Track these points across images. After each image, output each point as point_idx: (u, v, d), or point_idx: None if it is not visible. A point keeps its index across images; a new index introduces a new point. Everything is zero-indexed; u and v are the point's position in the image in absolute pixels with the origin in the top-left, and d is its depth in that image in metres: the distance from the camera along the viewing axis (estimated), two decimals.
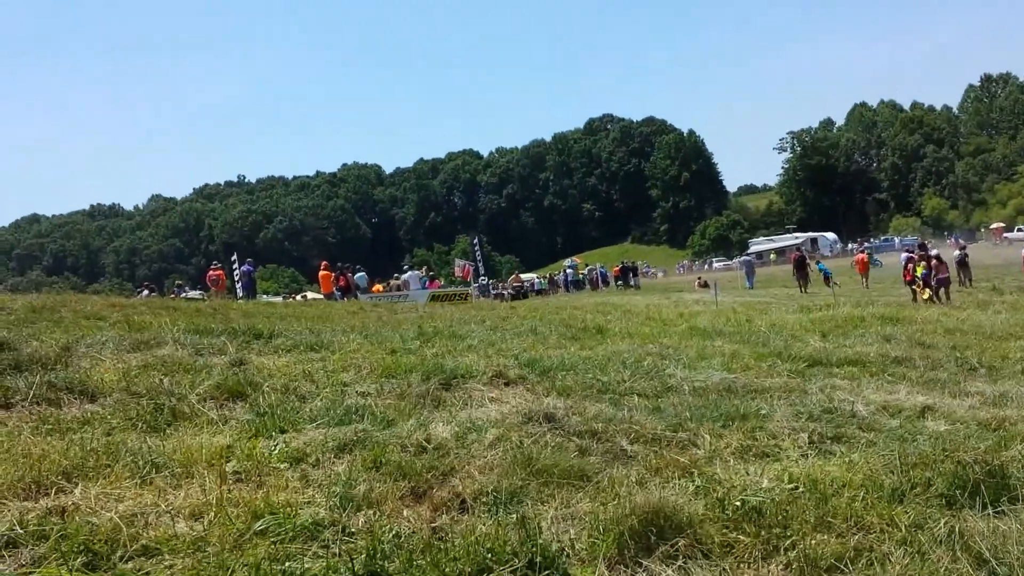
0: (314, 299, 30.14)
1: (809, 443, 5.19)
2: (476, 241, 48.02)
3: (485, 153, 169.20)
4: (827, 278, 30.63)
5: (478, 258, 44.25)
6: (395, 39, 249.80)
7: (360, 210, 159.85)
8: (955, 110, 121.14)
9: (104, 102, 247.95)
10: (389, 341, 9.24)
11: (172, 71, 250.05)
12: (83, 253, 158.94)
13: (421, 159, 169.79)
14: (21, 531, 3.23)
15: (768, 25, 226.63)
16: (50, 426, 4.80)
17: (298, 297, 41.94)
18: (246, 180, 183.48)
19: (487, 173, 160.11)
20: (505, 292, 43.23)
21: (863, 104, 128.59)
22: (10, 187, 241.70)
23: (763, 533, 3.55)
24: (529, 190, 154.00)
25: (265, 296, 50.00)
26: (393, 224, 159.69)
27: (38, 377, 5.75)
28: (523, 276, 54.93)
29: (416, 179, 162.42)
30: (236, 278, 31.95)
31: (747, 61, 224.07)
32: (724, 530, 3.60)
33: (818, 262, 44.21)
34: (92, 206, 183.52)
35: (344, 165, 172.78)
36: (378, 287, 34.24)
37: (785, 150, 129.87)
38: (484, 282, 41.58)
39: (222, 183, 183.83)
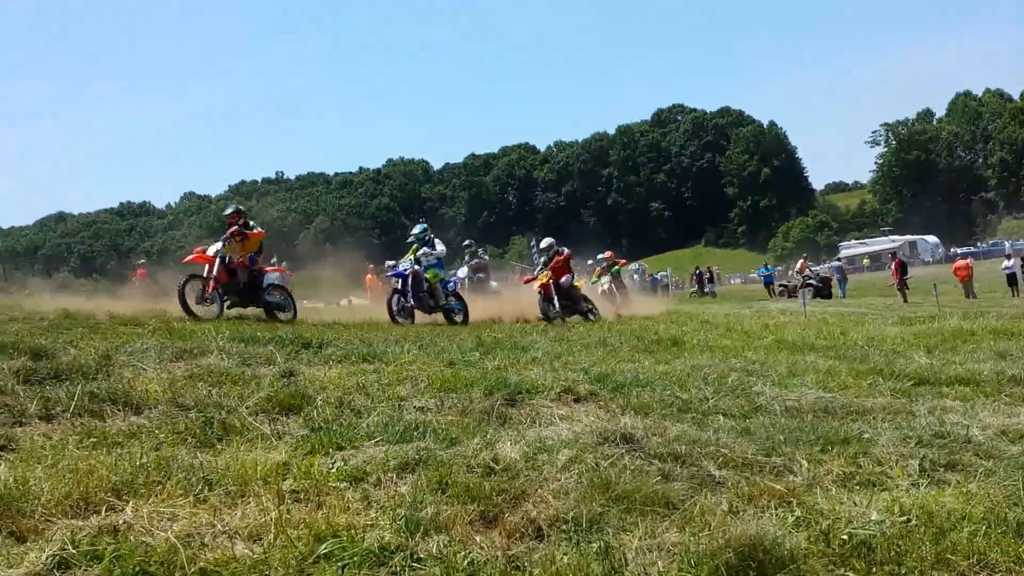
0: (359, 305, 30.46)
1: (920, 471, 5.08)
2: (533, 243, 48.14)
3: (542, 147, 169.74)
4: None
5: (535, 262, 44.31)
6: (444, 22, 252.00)
7: (407, 209, 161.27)
8: None
9: (134, 95, 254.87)
10: (446, 352, 9.32)
11: (207, 62, 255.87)
12: (112, 254, 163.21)
13: (472, 154, 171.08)
14: (74, 551, 3.33)
15: (858, 6, 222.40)
16: (95, 439, 4.93)
17: (343, 303, 42.40)
18: (285, 177, 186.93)
19: (544, 169, 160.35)
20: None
21: (967, 93, 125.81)
22: (35, 184, 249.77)
23: (874, 570, 3.51)
24: (591, 187, 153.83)
25: (305, 302, 50.74)
26: (443, 224, 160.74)
27: (79, 387, 5.90)
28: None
29: (467, 175, 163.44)
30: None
31: (836, 45, 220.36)
32: (830, 566, 3.56)
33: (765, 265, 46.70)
34: (121, 204, 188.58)
35: (389, 161, 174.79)
36: None
37: (878, 144, 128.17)
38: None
39: (259, 180, 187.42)
